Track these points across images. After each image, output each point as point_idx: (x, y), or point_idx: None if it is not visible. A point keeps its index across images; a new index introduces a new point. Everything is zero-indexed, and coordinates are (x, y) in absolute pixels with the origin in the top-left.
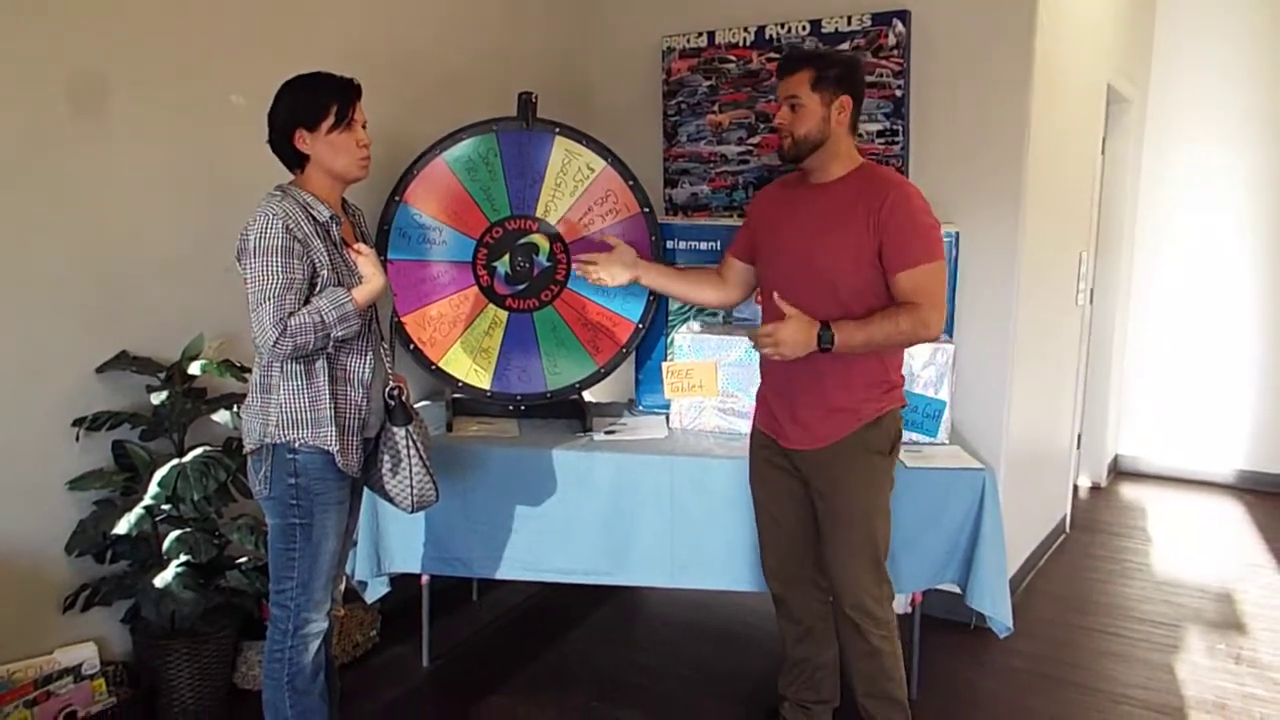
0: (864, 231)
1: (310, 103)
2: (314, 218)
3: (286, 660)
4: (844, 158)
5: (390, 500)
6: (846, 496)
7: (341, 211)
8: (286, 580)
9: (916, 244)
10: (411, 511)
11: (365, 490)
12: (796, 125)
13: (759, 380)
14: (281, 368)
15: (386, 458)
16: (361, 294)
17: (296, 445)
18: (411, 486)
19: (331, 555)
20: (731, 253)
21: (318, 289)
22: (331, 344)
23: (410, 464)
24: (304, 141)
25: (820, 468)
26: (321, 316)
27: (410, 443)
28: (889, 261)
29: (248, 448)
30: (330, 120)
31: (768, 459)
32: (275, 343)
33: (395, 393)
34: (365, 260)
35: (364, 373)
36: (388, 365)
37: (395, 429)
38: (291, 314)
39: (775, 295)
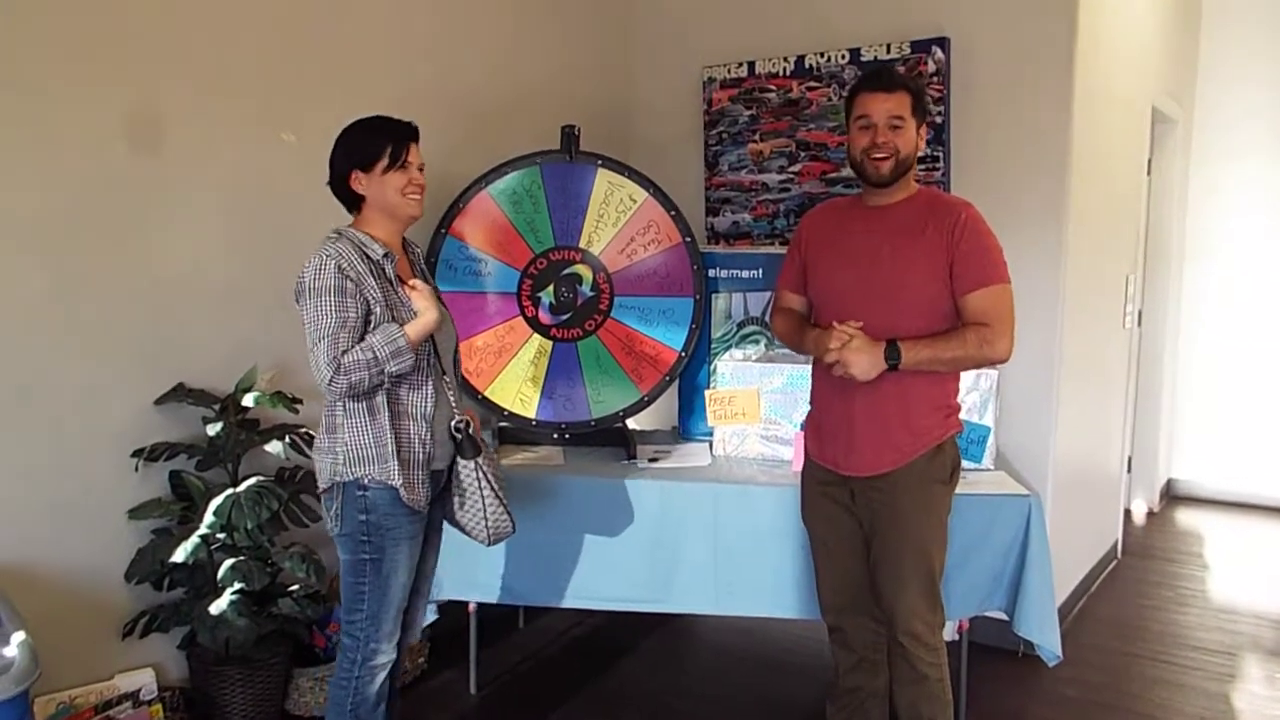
0: (936, 249)
1: (365, 145)
2: (368, 256)
3: (352, 689)
4: (911, 182)
5: (466, 533)
6: (904, 526)
7: (401, 250)
8: (357, 612)
9: (987, 265)
10: (489, 544)
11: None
12: (902, 145)
13: (803, 409)
14: (344, 407)
15: (456, 497)
16: (414, 329)
17: (366, 481)
18: (485, 519)
19: (401, 588)
20: (791, 289)
21: (372, 326)
22: (388, 380)
23: (482, 497)
24: (359, 183)
25: (879, 495)
26: (374, 353)
27: (480, 475)
28: (959, 282)
29: (320, 487)
30: (385, 162)
31: (824, 492)
32: (331, 380)
33: (462, 426)
34: (419, 295)
35: (425, 407)
36: (452, 399)
37: (464, 462)
38: (345, 352)
39: (835, 324)
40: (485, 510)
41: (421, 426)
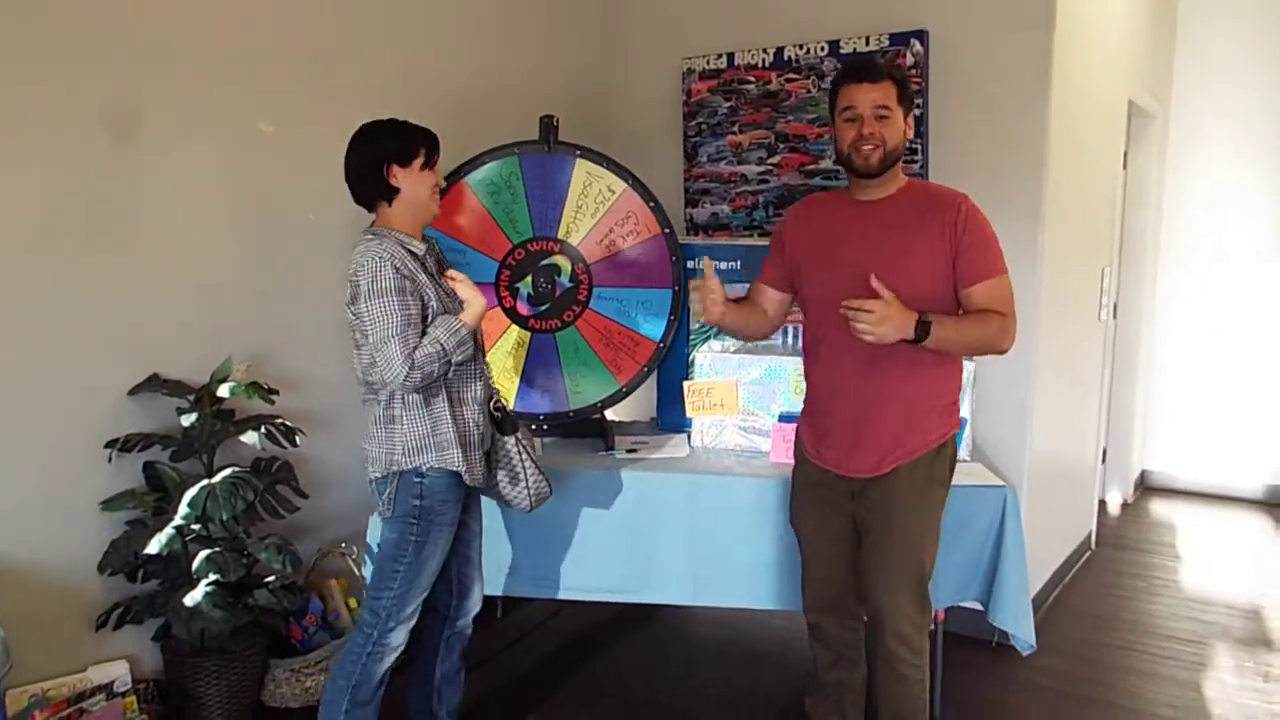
0: (938, 243)
1: (404, 141)
2: (412, 253)
3: (360, 666)
4: (900, 174)
5: (507, 504)
6: (900, 526)
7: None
8: (386, 590)
9: (990, 256)
10: (530, 510)
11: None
12: (890, 135)
13: (780, 400)
14: (403, 400)
15: (502, 472)
16: (469, 316)
17: (424, 469)
18: (529, 488)
19: (431, 574)
20: (765, 281)
21: (429, 320)
22: (452, 369)
23: (525, 468)
24: (396, 176)
25: (878, 494)
26: (441, 345)
27: (520, 449)
28: (964, 274)
29: (374, 475)
30: (421, 159)
31: (816, 494)
32: (406, 377)
33: (501, 405)
34: (462, 285)
35: (477, 391)
36: (491, 381)
37: (506, 439)
38: (415, 348)
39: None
40: (528, 480)
41: (474, 410)
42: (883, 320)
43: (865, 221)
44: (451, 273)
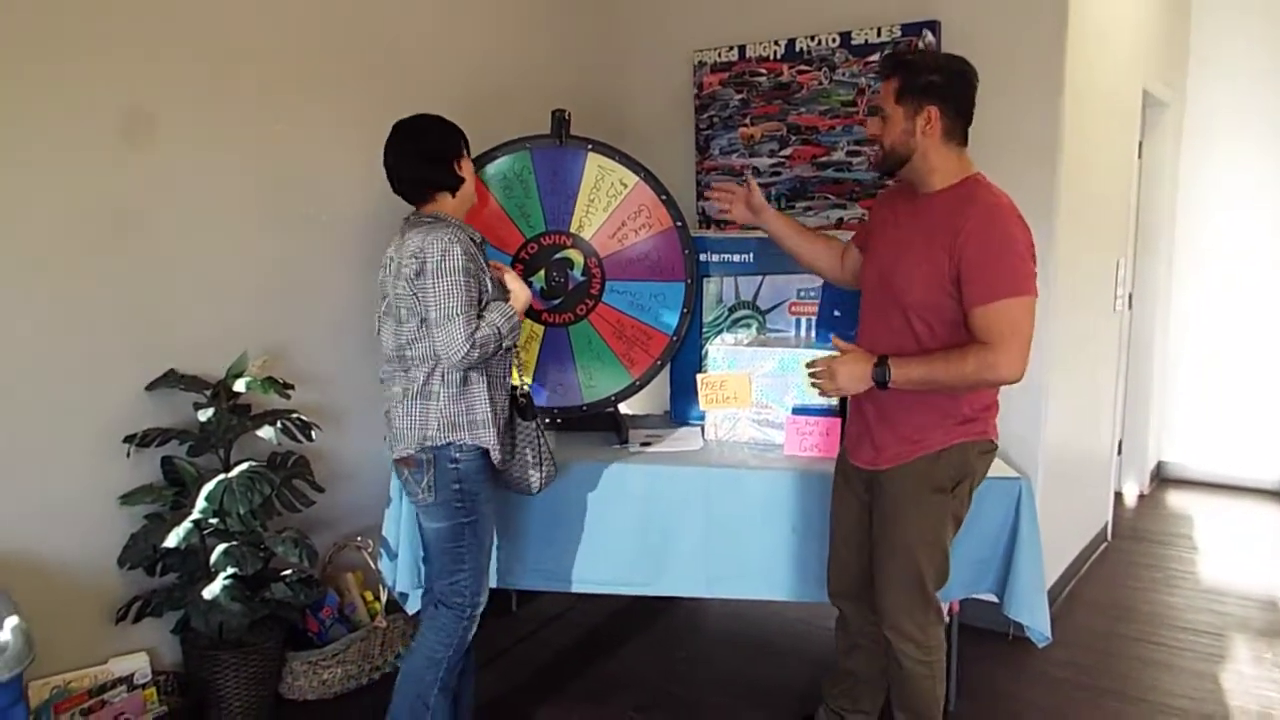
0: (941, 256)
1: (458, 135)
2: (473, 239)
3: (458, 637)
4: (943, 171)
5: (517, 486)
6: (896, 527)
7: None
8: (460, 572)
9: (992, 277)
10: (538, 491)
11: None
12: (885, 134)
13: (793, 392)
14: (442, 377)
15: (529, 453)
16: (518, 304)
17: (456, 454)
18: (543, 470)
19: (490, 544)
20: (854, 241)
21: (484, 304)
22: (502, 351)
23: (541, 453)
24: (461, 167)
25: (881, 491)
26: (498, 328)
27: (539, 433)
28: (964, 295)
29: (402, 453)
30: (467, 153)
31: (846, 481)
32: (465, 354)
33: (527, 391)
34: (510, 276)
35: (508, 376)
36: (517, 367)
37: (527, 424)
38: (476, 329)
39: (833, 337)
40: (543, 463)
41: (503, 395)
42: (834, 375)
43: (904, 216)
44: (496, 264)
